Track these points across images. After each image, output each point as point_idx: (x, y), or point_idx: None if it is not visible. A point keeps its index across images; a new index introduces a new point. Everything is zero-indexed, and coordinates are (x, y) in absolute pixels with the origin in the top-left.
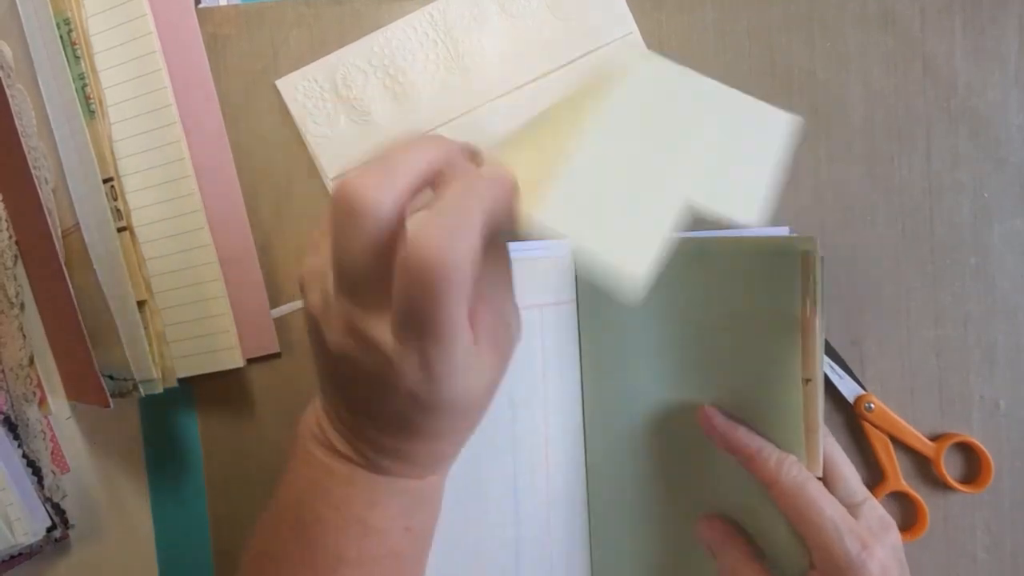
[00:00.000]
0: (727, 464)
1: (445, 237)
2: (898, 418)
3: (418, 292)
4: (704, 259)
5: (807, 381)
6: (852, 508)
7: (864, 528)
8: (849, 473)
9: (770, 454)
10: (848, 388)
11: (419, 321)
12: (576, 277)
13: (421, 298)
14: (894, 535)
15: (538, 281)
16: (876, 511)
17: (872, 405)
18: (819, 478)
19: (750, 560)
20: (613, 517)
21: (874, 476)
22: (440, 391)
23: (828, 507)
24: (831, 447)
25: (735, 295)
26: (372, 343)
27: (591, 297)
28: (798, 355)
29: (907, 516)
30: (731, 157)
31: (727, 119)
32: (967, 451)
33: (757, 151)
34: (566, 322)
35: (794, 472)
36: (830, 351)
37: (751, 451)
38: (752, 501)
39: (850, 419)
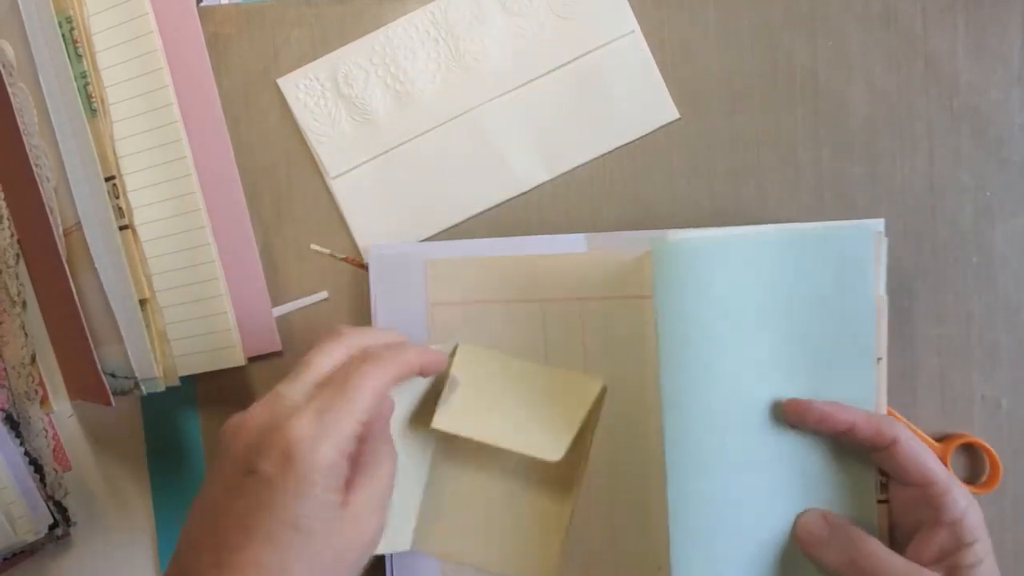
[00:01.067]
0: (815, 451)
1: None
2: (902, 419)
3: None
4: (772, 252)
5: (879, 359)
6: None
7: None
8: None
9: (875, 418)
10: None
11: None
12: (654, 275)
13: None
14: None
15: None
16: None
17: None
18: None
19: (867, 539)
20: (697, 525)
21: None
22: None
23: (936, 462)
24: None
25: (807, 283)
26: None
27: (668, 297)
28: (872, 335)
29: None
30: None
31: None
32: (972, 452)
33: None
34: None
35: (905, 430)
36: None
37: (854, 420)
38: (838, 486)
39: None
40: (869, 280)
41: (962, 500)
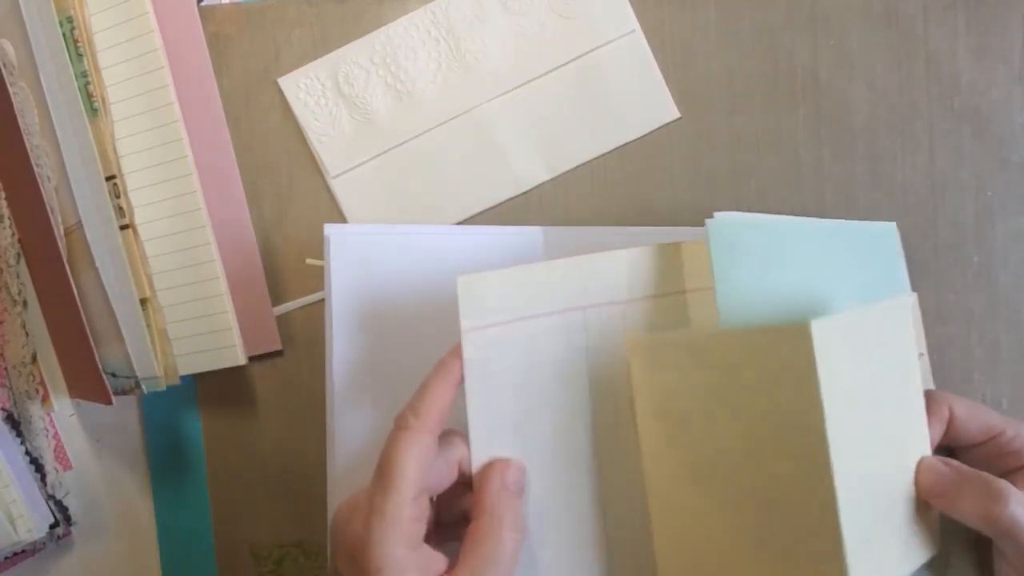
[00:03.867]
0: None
1: None
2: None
3: None
4: (820, 242)
5: (920, 355)
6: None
7: None
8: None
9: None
10: None
11: None
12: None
13: None
14: None
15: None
16: None
17: None
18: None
19: (1011, 492)
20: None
21: None
22: None
23: (992, 412)
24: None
25: (849, 276)
26: None
27: (732, 283)
28: (911, 331)
29: None
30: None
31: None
32: None
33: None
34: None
35: (947, 395)
36: None
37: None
38: None
39: None
40: (904, 274)
41: None
